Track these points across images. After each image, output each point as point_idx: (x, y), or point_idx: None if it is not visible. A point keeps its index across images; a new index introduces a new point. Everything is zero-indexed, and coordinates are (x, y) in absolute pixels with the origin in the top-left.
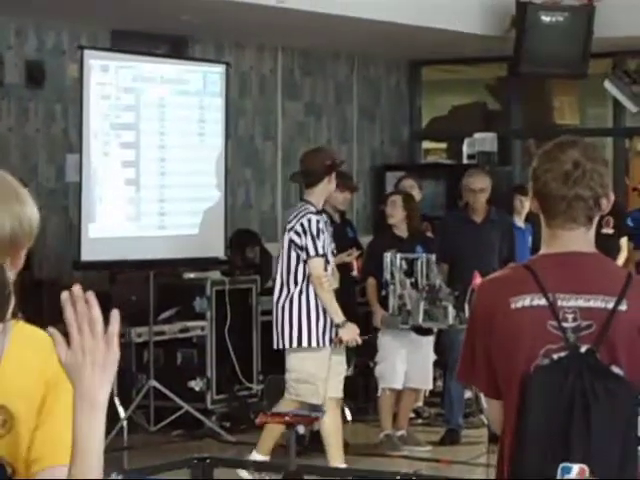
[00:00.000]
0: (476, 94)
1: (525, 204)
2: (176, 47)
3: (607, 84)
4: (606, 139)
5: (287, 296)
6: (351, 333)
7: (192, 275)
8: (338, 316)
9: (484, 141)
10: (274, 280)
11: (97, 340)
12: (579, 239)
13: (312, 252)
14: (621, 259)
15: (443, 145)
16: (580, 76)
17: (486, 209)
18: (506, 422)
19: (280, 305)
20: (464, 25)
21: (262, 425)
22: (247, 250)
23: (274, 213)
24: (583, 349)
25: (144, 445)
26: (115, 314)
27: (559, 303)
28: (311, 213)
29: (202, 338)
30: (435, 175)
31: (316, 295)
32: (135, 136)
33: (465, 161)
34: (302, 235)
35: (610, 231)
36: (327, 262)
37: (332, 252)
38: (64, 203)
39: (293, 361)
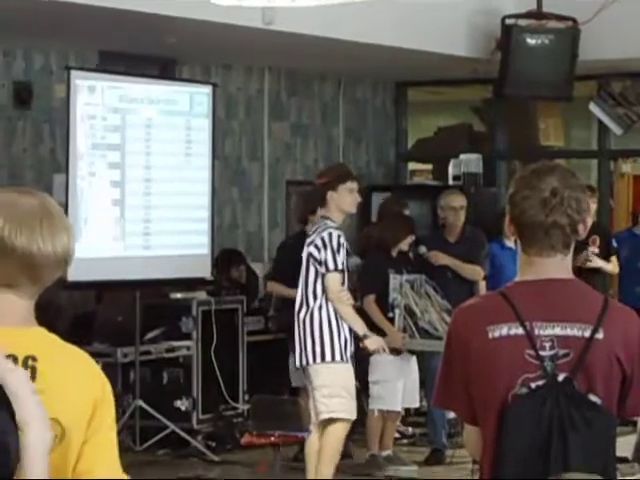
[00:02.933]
0: (462, 116)
1: None
2: (163, 68)
3: (592, 106)
4: (591, 161)
5: (307, 311)
6: (377, 343)
7: (178, 295)
8: (362, 328)
9: (469, 162)
10: (260, 300)
11: None
12: (556, 266)
13: (331, 266)
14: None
15: (429, 166)
16: (565, 98)
17: (461, 229)
18: (484, 448)
19: (301, 320)
20: (450, 47)
21: (248, 445)
22: (232, 270)
23: (261, 233)
24: (561, 378)
25: (130, 465)
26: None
27: (536, 332)
28: (331, 228)
29: (188, 358)
30: (421, 196)
31: (329, 309)
32: (121, 156)
33: (450, 182)
34: (322, 249)
35: (596, 250)
36: (344, 277)
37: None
38: None
39: (323, 376)
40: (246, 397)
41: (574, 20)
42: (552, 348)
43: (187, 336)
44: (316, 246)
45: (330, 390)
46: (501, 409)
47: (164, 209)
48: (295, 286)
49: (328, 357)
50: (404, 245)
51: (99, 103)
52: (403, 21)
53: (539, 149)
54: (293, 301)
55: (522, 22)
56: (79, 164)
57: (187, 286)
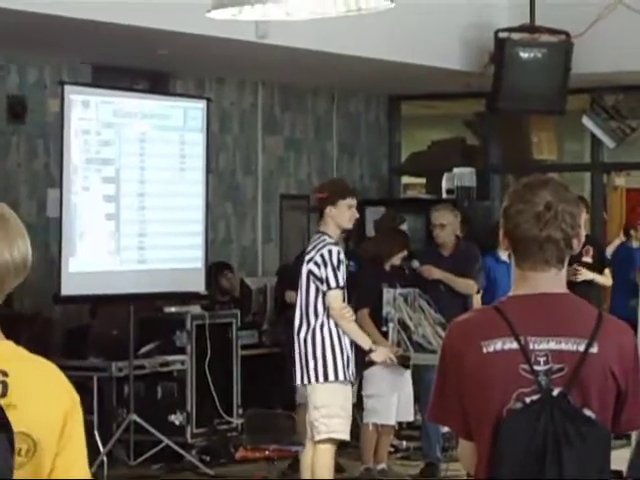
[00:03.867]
0: (455, 129)
1: None
2: (157, 82)
3: (585, 120)
4: (584, 174)
5: (308, 329)
6: (383, 354)
7: (172, 309)
8: (367, 342)
9: (463, 176)
10: (254, 314)
11: None
12: (550, 280)
13: (333, 283)
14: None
15: (422, 180)
16: (558, 112)
17: (454, 243)
18: (479, 463)
19: (302, 339)
20: (443, 61)
21: (242, 459)
22: (221, 280)
23: (255, 248)
24: (555, 392)
25: (124, 479)
26: None
27: (531, 346)
28: (330, 244)
29: (182, 372)
30: (414, 210)
31: (337, 327)
32: (115, 171)
33: (444, 196)
34: (322, 266)
35: (589, 260)
36: (344, 294)
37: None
38: (45, 238)
39: (323, 396)
40: (240, 411)
41: (567, 34)
42: (546, 363)
43: (181, 350)
44: (316, 263)
45: (329, 410)
46: (496, 424)
47: (158, 223)
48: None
49: (331, 377)
50: (397, 260)
51: (93, 118)
52: (396, 35)
53: (532, 163)
54: (287, 316)
55: (515, 36)
56: (73, 179)
57: (181, 300)
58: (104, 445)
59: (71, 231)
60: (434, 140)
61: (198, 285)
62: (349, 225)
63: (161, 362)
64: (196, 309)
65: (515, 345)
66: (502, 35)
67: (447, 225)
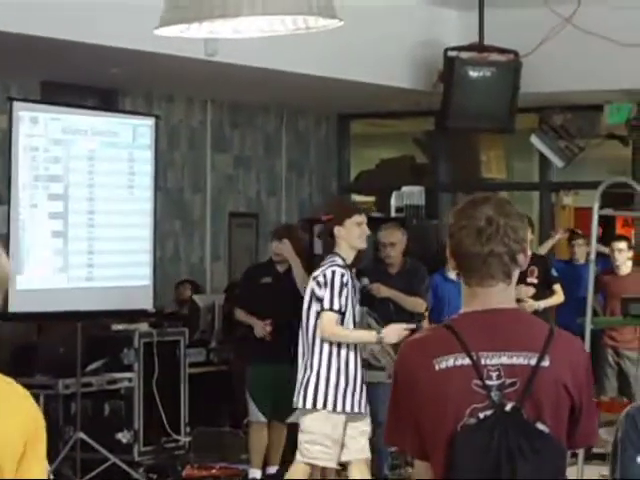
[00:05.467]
0: (404, 148)
1: None
2: (106, 99)
3: (533, 139)
4: (533, 193)
5: (309, 356)
6: (394, 333)
7: (120, 327)
8: (371, 336)
9: (412, 194)
10: (202, 332)
11: None
12: (498, 295)
13: (327, 305)
14: (553, 301)
15: (371, 198)
16: (507, 131)
17: (402, 261)
18: None
19: (302, 365)
20: (392, 79)
21: (189, 477)
22: (180, 288)
23: (203, 265)
24: (508, 407)
25: None
26: None
27: (482, 361)
28: (337, 265)
29: (130, 390)
30: None
31: (330, 354)
32: (64, 188)
33: (393, 214)
34: (322, 286)
35: (535, 280)
36: (342, 321)
37: (353, 307)
38: None
39: (307, 422)
40: (188, 429)
41: (516, 53)
42: (499, 377)
43: (129, 368)
44: (318, 282)
45: (312, 437)
46: (450, 440)
47: (106, 241)
48: (256, 315)
49: (320, 405)
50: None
51: (42, 134)
52: (346, 53)
53: (481, 181)
54: (235, 333)
55: (464, 55)
56: (21, 195)
57: (129, 318)
58: (51, 463)
59: (18, 248)
60: (383, 158)
61: (146, 303)
62: (361, 243)
63: (108, 380)
64: (144, 327)
65: (467, 361)
66: (451, 54)
67: (397, 243)
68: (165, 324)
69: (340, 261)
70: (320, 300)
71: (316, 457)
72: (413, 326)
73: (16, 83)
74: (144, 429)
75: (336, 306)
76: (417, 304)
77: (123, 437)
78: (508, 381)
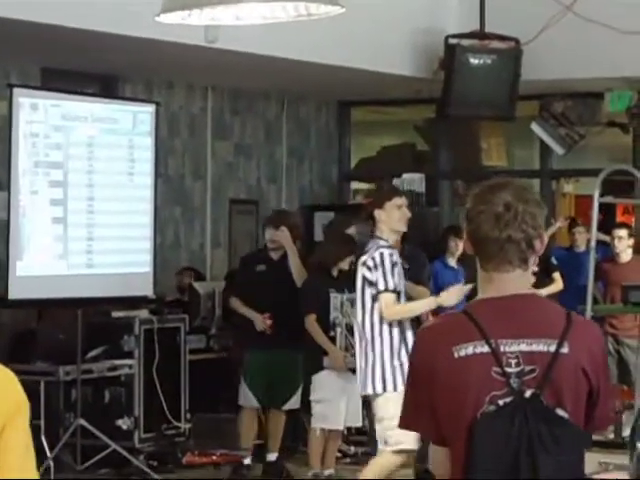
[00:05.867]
0: (405, 135)
1: (459, 245)
2: (106, 86)
3: (534, 126)
4: (533, 181)
5: (370, 341)
6: (454, 294)
7: (120, 314)
8: (430, 302)
9: (412, 182)
10: (202, 318)
11: None
12: (515, 281)
13: (382, 286)
14: (552, 289)
15: (372, 186)
16: (508, 118)
17: (400, 248)
18: (453, 468)
19: (362, 351)
20: (393, 67)
21: (189, 464)
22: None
23: (203, 252)
24: (528, 394)
25: None
26: None
27: (501, 349)
28: (382, 247)
29: (130, 377)
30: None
31: (392, 336)
32: (64, 175)
33: None
34: (373, 269)
35: (535, 269)
36: (399, 300)
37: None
38: None
39: (388, 406)
40: (188, 416)
41: (516, 40)
42: (518, 365)
43: (129, 355)
44: (368, 267)
45: (394, 423)
46: (470, 427)
47: (107, 227)
48: (252, 304)
49: (390, 387)
50: (344, 264)
51: (42, 121)
52: (346, 40)
53: (482, 169)
54: (236, 320)
55: (465, 42)
56: (21, 182)
57: (129, 304)
58: (51, 450)
59: (18, 235)
60: (384, 146)
61: (146, 289)
62: (402, 226)
63: (109, 366)
64: (144, 313)
65: (486, 348)
66: (452, 41)
67: None
68: (165, 311)
69: (383, 242)
70: (374, 284)
71: (402, 441)
72: (470, 286)
73: (16, 69)
74: (144, 416)
75: (391, 286)
76: (423, 294)
77: (123, 424)
78: (527, 368)
